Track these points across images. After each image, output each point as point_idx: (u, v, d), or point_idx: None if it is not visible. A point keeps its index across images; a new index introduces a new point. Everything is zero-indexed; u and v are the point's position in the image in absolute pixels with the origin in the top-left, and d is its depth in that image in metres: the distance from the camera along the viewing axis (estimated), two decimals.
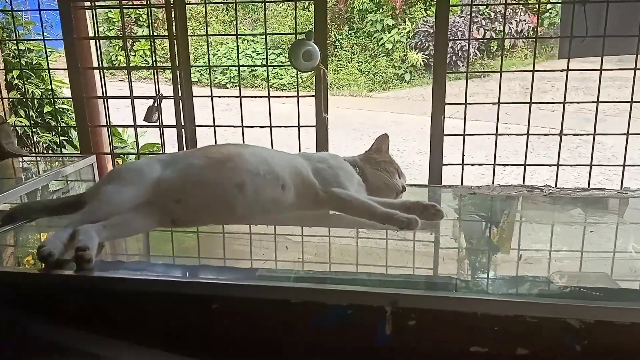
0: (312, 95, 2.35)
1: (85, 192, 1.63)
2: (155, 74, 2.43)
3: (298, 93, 2.37)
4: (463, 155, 2.37)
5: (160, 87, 2.44)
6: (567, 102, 2.26)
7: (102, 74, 2.50)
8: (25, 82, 4.49)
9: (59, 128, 3.74)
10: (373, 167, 1.81)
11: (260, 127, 2.46)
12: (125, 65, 3.07)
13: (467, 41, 2.43)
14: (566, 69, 2.21)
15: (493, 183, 2.25)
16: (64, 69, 2.56)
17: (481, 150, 2.31)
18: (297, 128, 2.39)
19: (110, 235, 1.42)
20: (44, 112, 4.39)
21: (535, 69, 2.29)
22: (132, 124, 2.48)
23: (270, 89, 2.40)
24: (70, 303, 1.21)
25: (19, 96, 4.45)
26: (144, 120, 2.42)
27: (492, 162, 2.35)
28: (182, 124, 2.44)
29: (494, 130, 2.32)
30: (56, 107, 4.01)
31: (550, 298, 1.12)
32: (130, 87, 2.45)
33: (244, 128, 2.44)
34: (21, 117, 4.45)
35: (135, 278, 1.19)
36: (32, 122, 4.37)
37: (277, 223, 1.62)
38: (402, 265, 1.35)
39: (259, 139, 2.35)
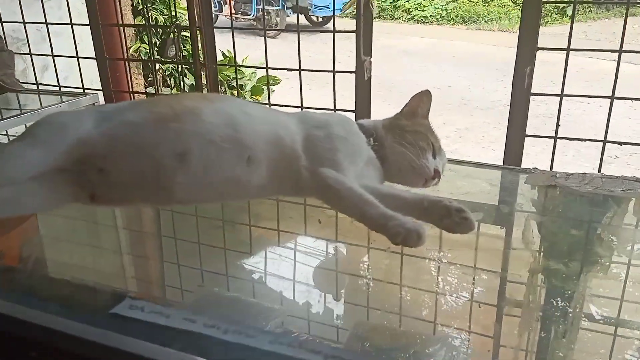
0: (352, 31, 1.77)
1: None
2: None
3: (334, 27, 1.80)
4: (557, 125, 1.64)
5: (178, 16, 2.02)
6: None
7: None
8: (150, 8, 4.42)
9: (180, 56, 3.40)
10: (396, 140, 1.25)
11: (288, 69, 1.94)
12: None
13: None
14: None
15: (599, 171, 1.53)
16: None
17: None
18: (332, 73, 1.84)
19: None
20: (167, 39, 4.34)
21: None
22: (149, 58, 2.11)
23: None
24: None
25: (143, 22, 4.41)
26: (158, 55, 2.05)
27: (602, 139, 1.60)
28: (201, 60, 2.01)
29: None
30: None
31: None
32: (147, 14, 2.06)
33: (270, 69, 1.94)
34: (145, 43, 4.41)
35: None
36: (154, 49, 4.30)
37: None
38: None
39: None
